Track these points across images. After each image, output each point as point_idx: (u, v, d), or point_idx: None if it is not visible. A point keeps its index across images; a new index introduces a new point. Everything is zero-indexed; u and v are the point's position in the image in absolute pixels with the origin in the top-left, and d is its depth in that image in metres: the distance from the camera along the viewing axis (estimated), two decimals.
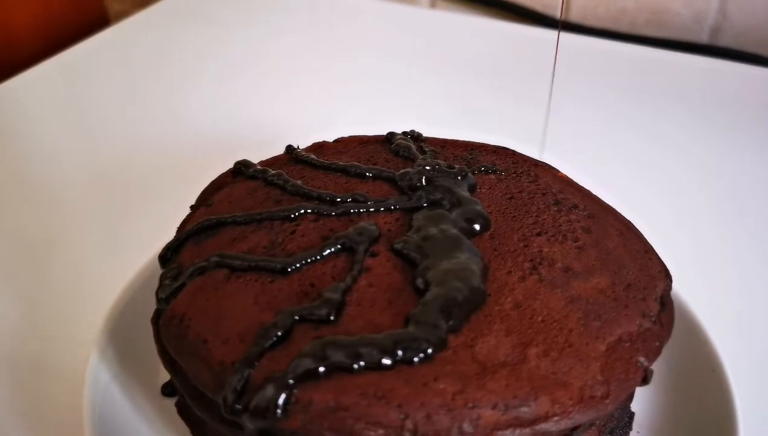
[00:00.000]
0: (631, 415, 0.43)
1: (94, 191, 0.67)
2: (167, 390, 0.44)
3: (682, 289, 0.48)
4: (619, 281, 0.40)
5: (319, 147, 0.51)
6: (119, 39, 0.98)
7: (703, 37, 1.01)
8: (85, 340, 0.45)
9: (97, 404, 0.41)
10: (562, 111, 0.83)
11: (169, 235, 0.43)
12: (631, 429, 0.43)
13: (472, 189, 0.45)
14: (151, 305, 0.42)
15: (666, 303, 0.40)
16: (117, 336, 0.45)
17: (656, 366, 0.46)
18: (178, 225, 0.45)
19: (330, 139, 0.52)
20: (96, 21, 1.18)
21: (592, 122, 0.82)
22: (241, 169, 0.47)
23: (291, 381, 0.32)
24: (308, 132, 0.55)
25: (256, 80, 0.88)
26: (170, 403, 0.43)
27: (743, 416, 0.41)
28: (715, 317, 0.48)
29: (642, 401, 0.45)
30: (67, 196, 0.66)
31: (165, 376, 0.45)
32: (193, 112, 0.81)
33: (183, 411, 0.42)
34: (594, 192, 0.48)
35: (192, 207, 0.46)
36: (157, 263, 0.46)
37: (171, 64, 0.92)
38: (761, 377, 0.50)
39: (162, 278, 0.40)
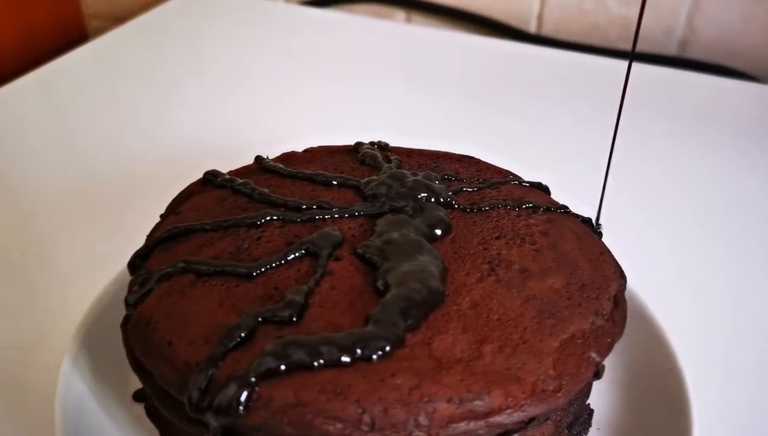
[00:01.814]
0: (590, 412, 0.45)
1: (67, 203, 0.68)
2: (139, 396, 0.45)
3: (641, 291, 0.50)
4: (573, 281, 0.41)
5: (287, 157, 0.52)
6: (98, 54, 0.99)
7: (672, 50, 1.03)
8: (58, 349, 0.46)
9: (69, 411, 0.42)
10: (537, 121, 0.85)
11: (140, 244, 0.44)
12: (590, 425, 0.44)
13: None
14: (123, 313, 0.43)
15: (619, 302, 0.42)
16: (90, 344, 0.46)
17: (616, 365, 0.48)
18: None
19: (301, 149, 0.53)
20: (75, 37, 1.19)
21: (564, 132, 0.84)
22: (210, 178, 0.48)
23: (253, 379, 0.33)
24: (281, 143, 0.56)
25: (230, 94, 0.90)
26: (142, 409, 0.44)
27: (698, 412, 0.42)
28: (672, 318, 0.49)
29: (601, 398, 0.46)
30: (41, 208, 0.67)
31: (137, 383, 0.46)
32: (167, 125, 0.82)
33: (152, 413, 0.43)
34: (564, 196, 0.50)
35: (162, 216, 0.47)
36: (127, 273, 0.48)
37: (146, 79, 0.93)
38: (715, 375, 0.52)
39: (131, 284, 0.41)
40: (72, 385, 0.43)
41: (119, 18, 1.20)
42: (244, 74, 0.95)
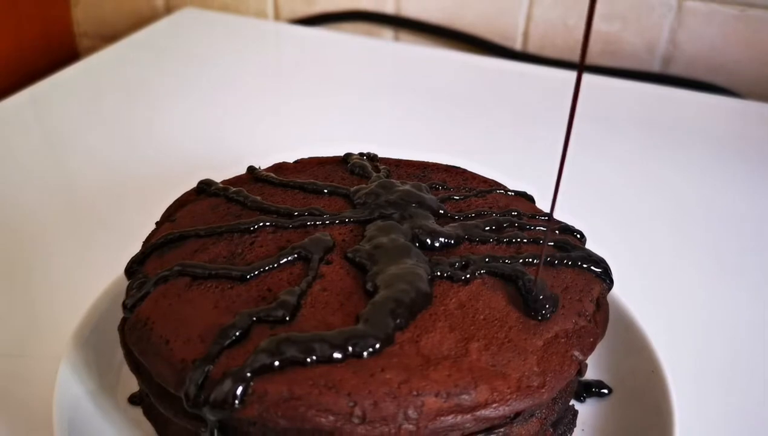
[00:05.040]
0: (575, 412, 0.46)
1: (60, 216, 0.69)
2: (135, 399, 0.46)
3: (624, 297, 0.51)
4: (557, 283, 0.42)
5: (278, 167, 0.53)
6: (89, 72, 1.00)
7: (655, 66, 1.05)
8: (54, 356, 0.47)
9: (67, 415, 0.43)
10: (521, 135, 0.86)
11: (134, 253, 0.45)
12: (575, 426, 0.46)
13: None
14: (118, 320, 0.44)
15: (601, 305, 0.43)
16: (85, 350, 0.47)
17: (600, 369, 0.49)
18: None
19: (291, 161, 0.54)
20: (66, 56, 1.20)
21: (547, 145, 0.85)
22: (204, 187, 0.50)
23: (248, 374, 0.34)
24: (271, 157, 0.57)
25: (220, 110, 0.91)
26: (137, 412, 0.45)
27: (680, 413, 0.44)
28: (654, 322, 0.51)
29: (586, 400, 0.48)
30: (35, 222, 0.67)
31: (133, 387, 0.47)
32: (158, 140, 0.83)
33: (149, 412, 0.44)
34: (547, 206, 0.51)
35: (157, 223, 0.48)
36: (123, 280, 0.49)
37: (137, 96, 0.94)
38: (696, 377, 0.53)
39: (128, 288, 0.42)
40: (68, 390, 0.44)
41: (110, 38, 1.22)
42: (234, 91, 0.97)
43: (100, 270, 0.54)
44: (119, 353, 0.47)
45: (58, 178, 0.76)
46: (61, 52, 1.22)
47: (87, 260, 0.63)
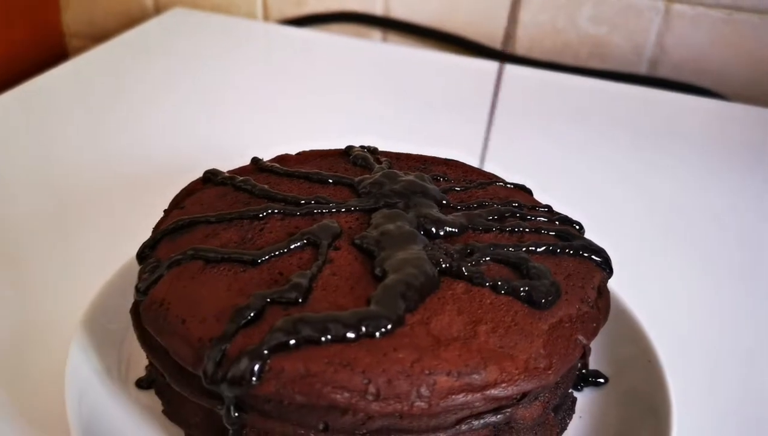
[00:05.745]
0: (574, 399, 0.47)
1: (55, 213, 0.69)
2: (142, 384, 0.47)
3: (621, 290, 0.53)
4: (559, 271, 0.43)
5: (281, 159, 0.54)
6: (78, 72, 1.00)
7: (642, 69, 1.06)
8: (63, 344, 0.48)
9: (77, 398, 0.43)
10: (509, 136, 0.88)
11: (133, 247, 0.46)
12: (574, 412, 0.47)
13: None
14: (126, 307, 0.45)
15: (603, 292, 0.44)
16: (93, 338, 0.48)
17: (599, 359, 0.50)
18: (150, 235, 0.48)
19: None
20: (56, 56, 1.21)
21: (538, 147, 0.86)
22: (211, 176, 0.50)
23: (265, 352, 0.35)
24: (262, 154, 0.58)
25: (211, 109, 0.91)
26: (145, 397, 0.46)
27: (676, 401, 0.45)
28: (651, 314, 0.52)
29: (585, 389, 0.49)
30: (32, 217, 0.68)
31: (139, 372, 0.47)
32: (150, 138, 0.83)
33: (162, 393, 0.44)
34: (545, 200, 0.53)
35: (165, 211, 0.49)
36: (127, 269, 0.50)
37: (128, 95, 0.94)
38: (691, 367, 0.55)
39: (140, 272, 0.43)
40: (78, 375, 0.45)
41: (99, 38, 1.22)
42: (224, 91, 0.97)
43: (101, 263, 0.55)
44: (125, 341, 0.48)
45: (47, 176, 0.76)
46: (50, 52, 1.22)
47: (85, 255, 0.63)
